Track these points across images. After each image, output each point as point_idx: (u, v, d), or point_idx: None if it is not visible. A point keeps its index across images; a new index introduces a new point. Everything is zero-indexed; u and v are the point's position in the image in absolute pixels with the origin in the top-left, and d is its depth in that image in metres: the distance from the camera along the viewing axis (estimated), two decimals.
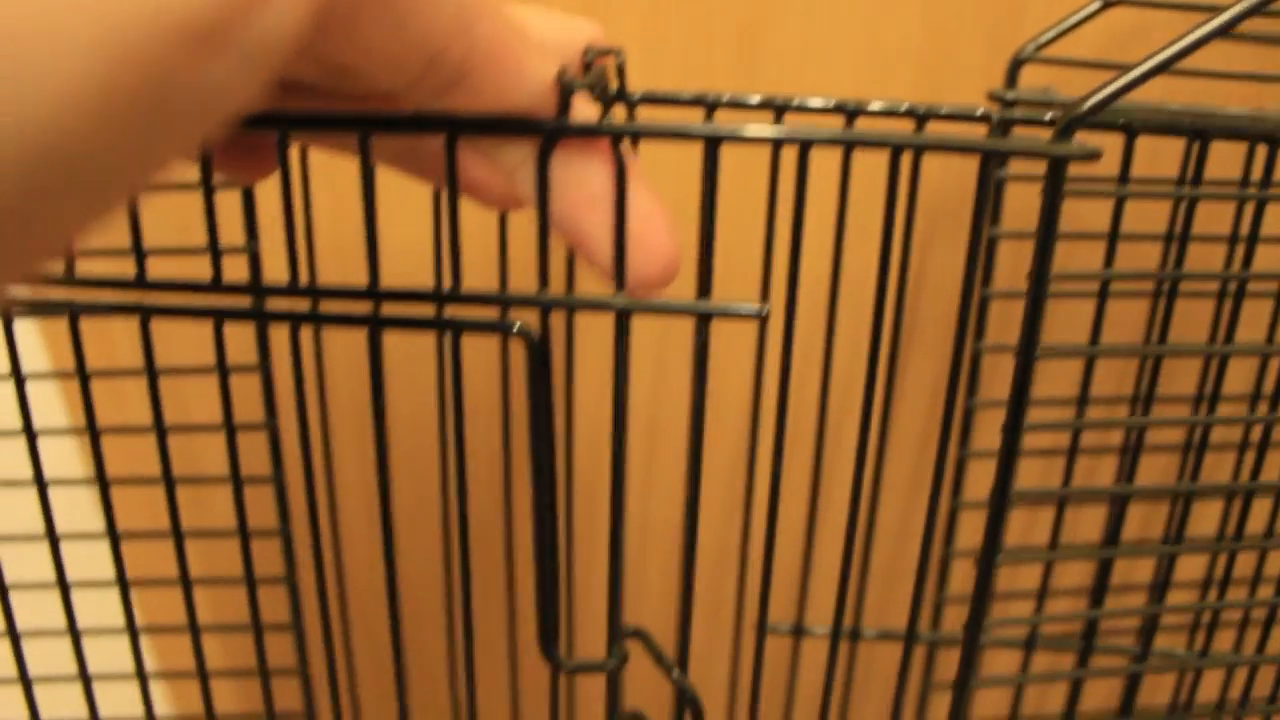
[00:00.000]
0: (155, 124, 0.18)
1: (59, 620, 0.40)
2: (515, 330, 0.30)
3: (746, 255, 0.48)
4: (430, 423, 0.51)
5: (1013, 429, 0.32)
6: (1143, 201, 0.44)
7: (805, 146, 0.29)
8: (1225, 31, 0.29)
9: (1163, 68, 0.28)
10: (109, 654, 0.42)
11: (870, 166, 0.33)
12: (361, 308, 0.31)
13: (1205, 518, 0.44)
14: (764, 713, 0.56)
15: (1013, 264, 0.46)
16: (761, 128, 0.29)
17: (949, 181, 0.47)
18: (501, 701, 0.50)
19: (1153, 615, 0.41)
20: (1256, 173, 0.36)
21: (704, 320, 0.30)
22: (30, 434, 0.38)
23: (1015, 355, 0.31)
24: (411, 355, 0.52)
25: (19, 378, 0.38)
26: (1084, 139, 0.29)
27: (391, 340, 0.49)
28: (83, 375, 0.36)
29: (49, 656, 0.42)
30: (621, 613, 0.34)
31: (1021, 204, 0.44)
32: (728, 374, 0.52)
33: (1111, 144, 0.35)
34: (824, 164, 0.36)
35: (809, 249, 0.44)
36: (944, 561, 0.46)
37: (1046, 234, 0.29)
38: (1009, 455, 0.32)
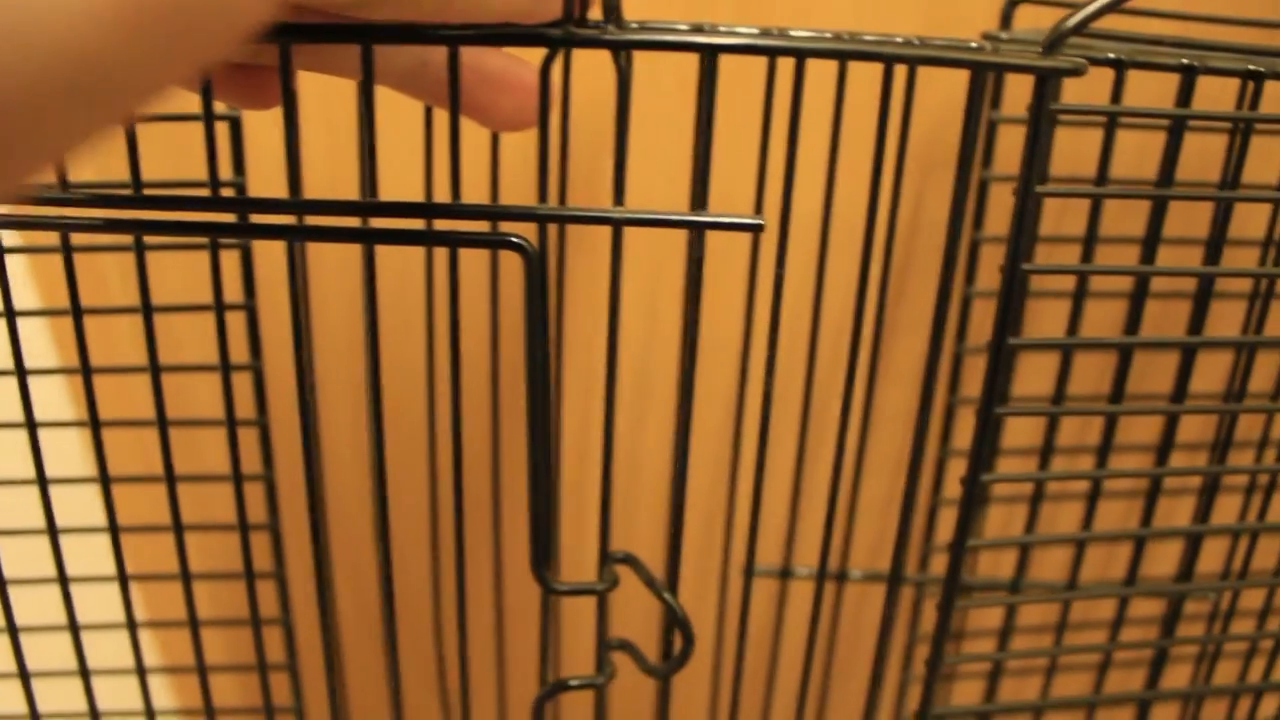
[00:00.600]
0: (175, 36, 0.18)
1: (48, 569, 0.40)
2: (513, 243, 0.31)
3: (741, 181, 0.48)
4: (416, 344, 0.51)
5: (998, 349, 0.32)
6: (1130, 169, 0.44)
7: (801, 58, 0.29)
8: None
9: None
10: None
11: (866, 100, 0.34)
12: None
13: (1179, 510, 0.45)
14: (753, 655, 0.56)
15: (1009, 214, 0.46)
16: (759, 38, 0.29)
17: (945, 131, 0.48)
18: (487, 625, 0.49)
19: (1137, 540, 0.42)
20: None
21: (699, 232, 0.31)
22: (21, 373, 0.38)
23: (1001, 272, 0.31)
24: (396, 276, 0.52)
25: (10, 313, 0.38)
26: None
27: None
28: (75, 305, 0.36)
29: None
30: (610, 536, 0.35)
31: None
32: (721, 307, 0.52)
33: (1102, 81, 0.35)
34: (818, 89, 0.37)
35: (801, 180, 0.45)
36: (932, 508, 0.46)
37: (1033, 148, 0.30)
38: (993, 373, 0.32)
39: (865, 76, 0.33)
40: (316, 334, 0.50)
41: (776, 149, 0.35)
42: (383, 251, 0.39)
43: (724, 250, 0.50)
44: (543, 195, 0.31)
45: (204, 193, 0.33)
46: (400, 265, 0.51)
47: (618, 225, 0.30)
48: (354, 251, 0.47)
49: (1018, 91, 0.44)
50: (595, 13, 0.30)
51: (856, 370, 0.38)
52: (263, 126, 0.43)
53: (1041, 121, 0.30)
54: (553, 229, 0.43)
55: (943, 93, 0.44)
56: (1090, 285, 0.43)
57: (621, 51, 0.30)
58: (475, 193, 0.48)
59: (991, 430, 0.33)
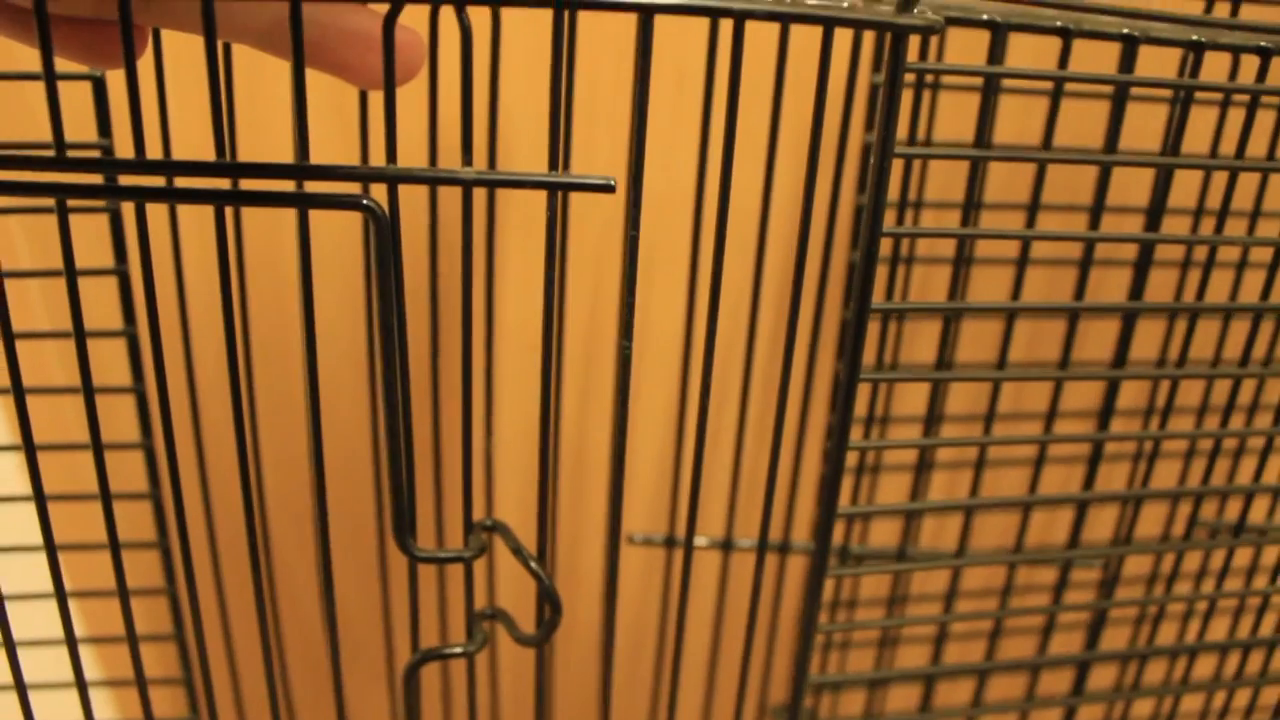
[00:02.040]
0: None
1: None
2: (364, 205, 0.30)
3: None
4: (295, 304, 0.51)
5: (859, 315, 0.32)
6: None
7: (649, 14, 0.29)
8: None
9: None
10: None
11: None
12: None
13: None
14: (643, 624, 0.56)
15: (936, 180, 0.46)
16: None
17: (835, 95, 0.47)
18: (373, 594, 0.49)
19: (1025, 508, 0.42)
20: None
21: (554, 193, 0.30)
22: None
23: (861, 235, 0.31)
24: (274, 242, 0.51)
25: None
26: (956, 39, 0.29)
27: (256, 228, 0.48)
28: None
29: None
30: (477, 505, 0.34)
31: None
32: (596, 266, 0.51)
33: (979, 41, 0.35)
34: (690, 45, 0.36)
35: (674, 146, 0.44)
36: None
37: (890, 110, 0.29)
38: (857, 339, 0.32)
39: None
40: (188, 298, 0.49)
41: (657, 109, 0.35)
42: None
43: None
44: (391, 157, 0.30)
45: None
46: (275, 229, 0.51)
47: (467, 186, 0.30)
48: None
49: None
50: None
51: (756, 341, 0.38)
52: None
53: (897, 79, 0.29)
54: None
55: (838, 57, 0.44)
56: (978, 252, 0.43)
57: (464, 7, 0.29)
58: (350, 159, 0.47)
59: (852, 398, 0.33)
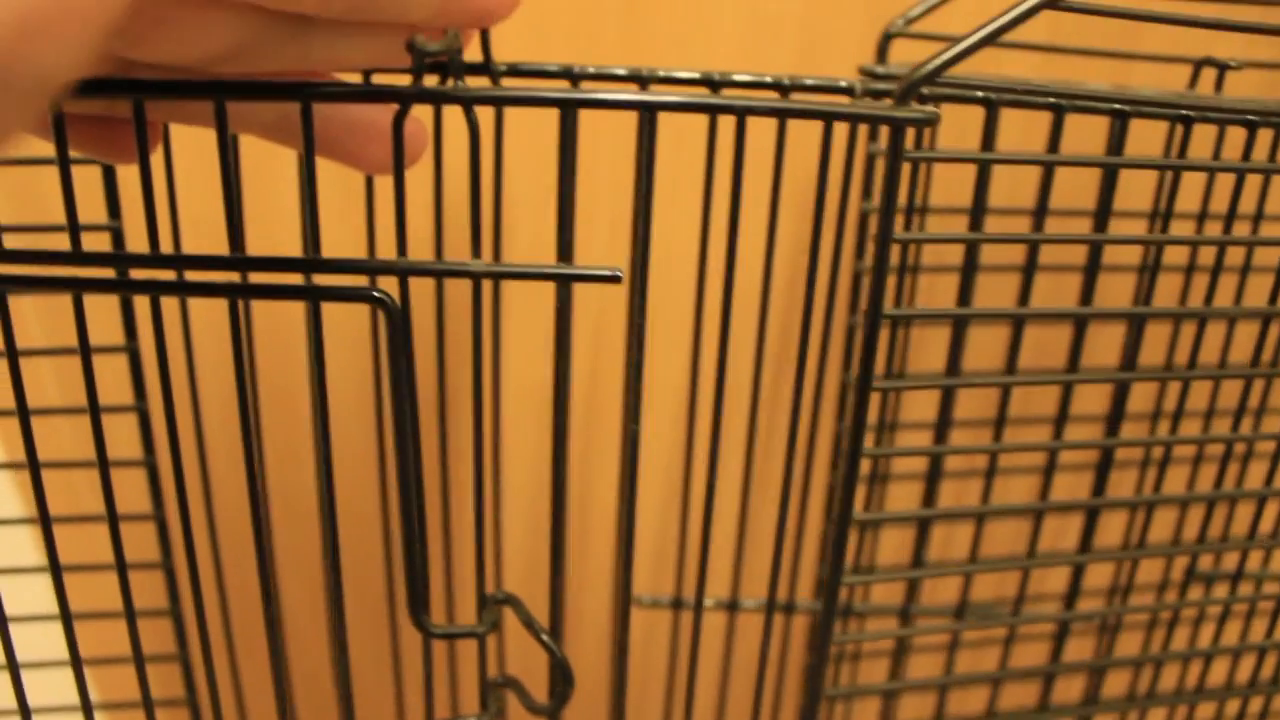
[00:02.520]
0: None
1: None
2: (375, 298, 0.31)
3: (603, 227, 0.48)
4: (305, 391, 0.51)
5: (863, 385, 0.32)
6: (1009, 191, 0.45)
7: (650, 111, 0.29)
8: (1055, 3, 0.30)
9: (996, 35, 0.29)
10: None
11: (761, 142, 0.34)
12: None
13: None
14: (660, 684, 0.56)
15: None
16: (614, 93, 0.29)
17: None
18: (384, 670, 0.49)
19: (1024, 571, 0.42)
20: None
21: (564, 284, 0.31)
22: None
23: (862, 319, 0.32)
24: (283, 325, 0.52)
25: None
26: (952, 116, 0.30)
27: (265, 312, 0.49)
28: None
29: None
30: (488, 579, 0.35)
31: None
32: (596, 331, 0.52)
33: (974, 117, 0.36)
34: (693, 135, 0.37)
35: (678, 223, 0.45)
36: (825, 533, 0.47)
37: (889, 197, 0.30)
38: (860, 411, 0.33)
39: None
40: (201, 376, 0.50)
41: (665, 199, 0.36)
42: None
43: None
44: (401, 249, 0.31)
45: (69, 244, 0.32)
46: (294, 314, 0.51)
47: (477, 279, 0.30)
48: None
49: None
50: (475, 54, 0.30)
51: (760, 402, 0.38)
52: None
53: (896, 170, 0.30)
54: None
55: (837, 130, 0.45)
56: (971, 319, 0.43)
57: (472, 106, 0.30)
58: (358, 248, 0.48)
59: (855, 466, 0.33)
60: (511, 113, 0.46)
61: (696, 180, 0.37)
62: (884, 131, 0.44)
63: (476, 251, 0.30)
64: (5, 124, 0.19)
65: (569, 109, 0.30)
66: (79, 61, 0.19)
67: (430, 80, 0.30)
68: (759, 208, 0.37)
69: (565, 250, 0.31)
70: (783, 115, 0.30)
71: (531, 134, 0.48)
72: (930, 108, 0.30)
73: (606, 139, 0.44)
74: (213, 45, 0.27)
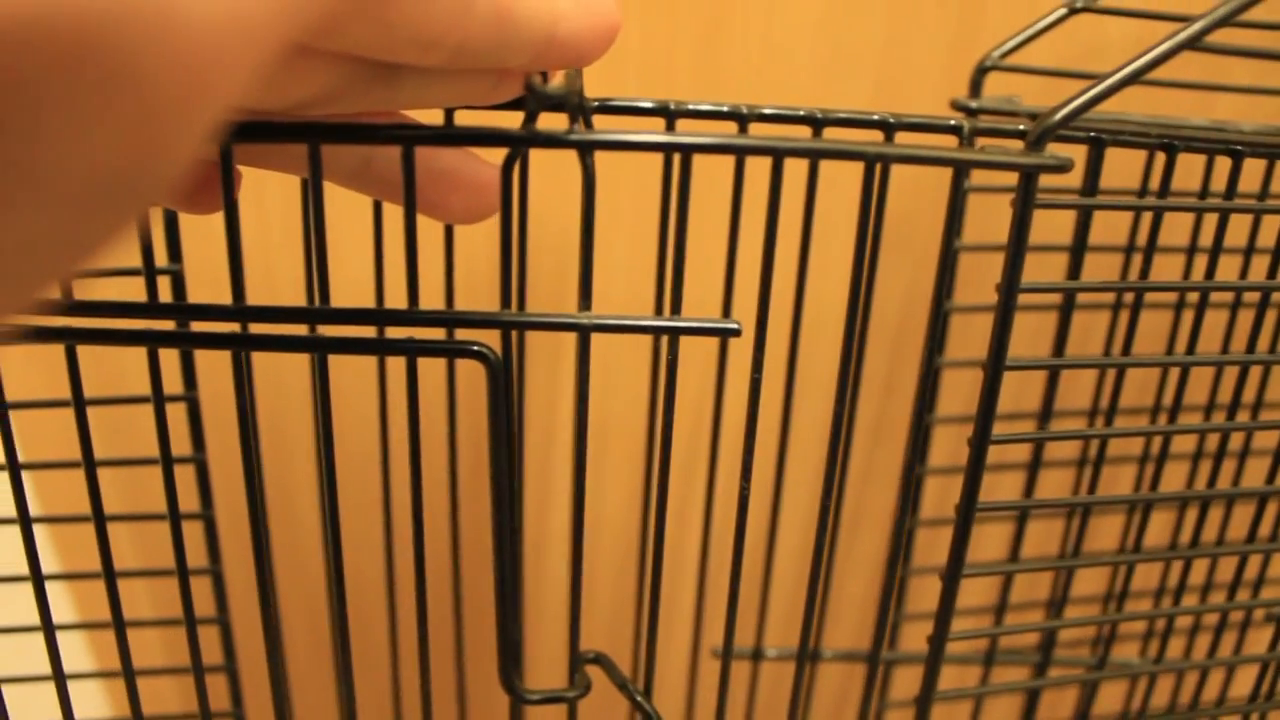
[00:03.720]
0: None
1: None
2: (476, 352, 0.29)
3: (704, 271, 0.47)
4: (369, 447, 0.50)
5: (981, 440, 0.31)
6: (1104, 216, 0.44)
7: (778, 157, 0.28)
8: (1195, 42, 0.28)
9: (1135, 77, 0.28)
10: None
11: (824, 178, 0.33)
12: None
13: (1157, 527, 0.44)
14: None
15: (965, 277, 0.45)
16: (730, 138, 0.28)
17: (905, 193, 0.47)
18: None
19: (1110, 623, 0.41)
20: (1217, 184, 0.36)
21: (675, 337, 0.29)
22: None
23: (983, 367, 0.30)
24: (349, 378, 0.50)
25: None
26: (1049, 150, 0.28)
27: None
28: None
29: None
30: (579, 639, 0.33)
31: (972, 215, 0.44)
32: (688, 397, 0.51)
33: (1076, 155, 0.34)
34: (790, 177, 0.35)
35: (755, 266, 0.43)
36: (901, 581, 0.46)
37: (1018, 245, 0.29)
38: (976, 467, 0.31)
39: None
40: (271, 428, 0.48)
41: (746, 241, 0.34)
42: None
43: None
44: (505, 300, 0.29)
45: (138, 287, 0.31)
46: (357, 364, 0.50)
47: (585, 332, 0.29)
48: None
49: None
50: (556, 80, 0.29)
51: (839, 452, 0.37)
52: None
53: (1027, 218, 0.29)
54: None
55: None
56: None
57: (591, 151, 0.28)
58: (428, 291, 0.46)
59: (964, 531, 0.32)
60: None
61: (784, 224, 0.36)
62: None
63: (585, 304, 0.29)
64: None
65: (686, 154, 0.29)
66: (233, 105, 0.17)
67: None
68: (844, 248, 0.36)
69: (675, 301, 0.30)
70: (907, 162, 0.28)
71: (612, 178, 0.46)
72: (1064, 154, 0.28)
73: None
74: (303, 92, 0.25)
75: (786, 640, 0.50)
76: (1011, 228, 0.29)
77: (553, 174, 0.39)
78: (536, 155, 0.34)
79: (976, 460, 0.31)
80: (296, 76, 0.25)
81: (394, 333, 0.30)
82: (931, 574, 0.36)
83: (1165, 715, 0.46)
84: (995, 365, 0.30)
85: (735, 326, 0.28)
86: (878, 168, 0.29)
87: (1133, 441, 0.46)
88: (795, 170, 0.33)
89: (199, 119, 0.16)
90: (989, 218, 0.43)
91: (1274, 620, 0.43)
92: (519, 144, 0.27)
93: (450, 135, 0.27)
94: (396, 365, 0.42)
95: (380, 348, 0.30)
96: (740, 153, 0.28)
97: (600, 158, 0.39)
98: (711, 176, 0.35)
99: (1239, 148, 0.34)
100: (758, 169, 0.29)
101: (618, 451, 0.53)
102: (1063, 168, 0.28)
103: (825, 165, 0.29)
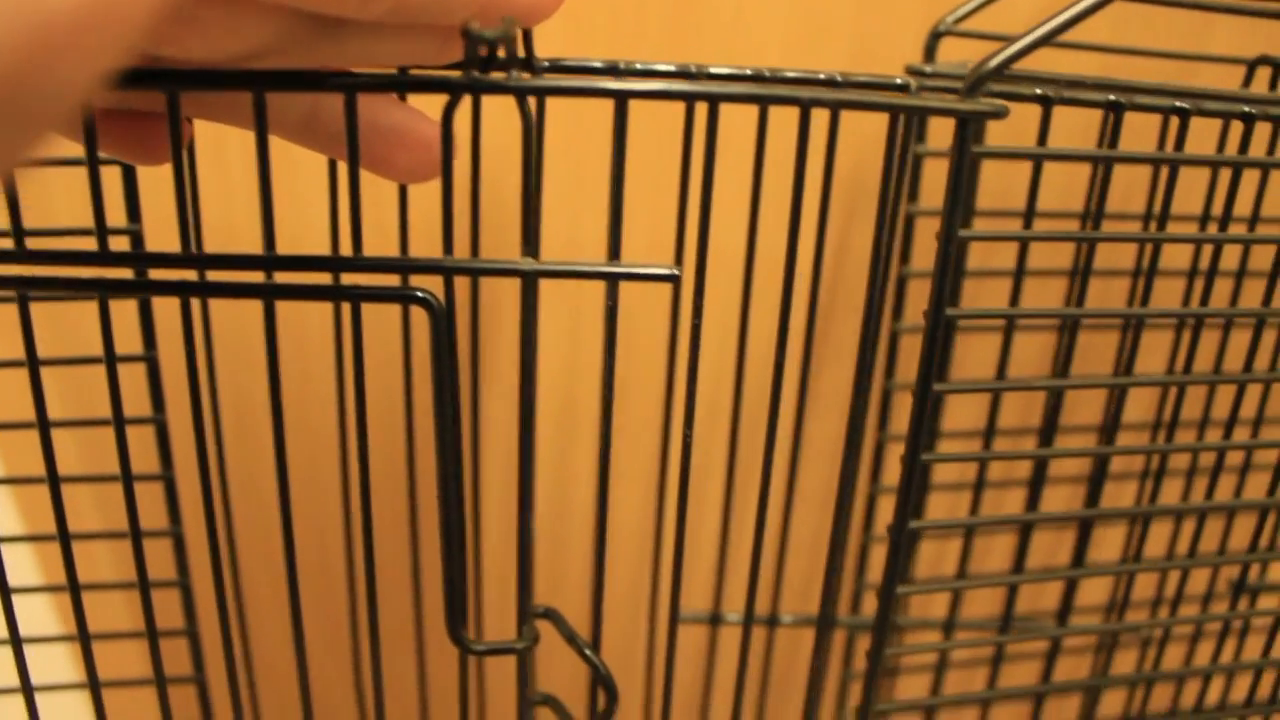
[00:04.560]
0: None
1: None
2: (419, 298, 0.29)
3: (658, 223, 0.47)
4: (327, 396, 0.50)
5: (923, 397, 0.31)
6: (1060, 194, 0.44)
7: (714, 102, 0.28)
8: None
9: (1071, 23, 0.28)
10: None
11: (787, 139, 0.33)
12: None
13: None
14: (685, 702, 0.55)
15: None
16: (670, 83, 0.28)
17: (870, 165, 0.47)
18: (409, 688, 0.48)
19: (1071, 581, 0.41)
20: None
21: (614, 283, 0.30)
22: None
23: (925, 316, 0.31)
24: (302, 328, 0.50)
25: None
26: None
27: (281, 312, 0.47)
28: None
29: None
30: (532, 592, 0.33)
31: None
32: (644, 350, 0.51)
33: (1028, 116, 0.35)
34: (738, 130, 0.36)
35: (723, 220, 0.43)
36: (863, 546, 0.46)
37: (955, 194, 0.29)
38: (919, 423, 0.32)
39: (789, 114, 0.32)
40: (223, 385, 0.48)
41: (698, 191, 0.34)
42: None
43: (643, 291, 0.49)
44: (448, 247, 0.30)
45: (93, 244, 0.31)
46: (306, 315, 0.50)
47: (529, 278, 0.29)
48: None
49: (943, 124, 0.43)
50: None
51: (780, 408, 0.37)
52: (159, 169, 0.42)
53: (963, 165, 0.29)
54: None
55: (869, 126, 0.44)
56: (1020, 320, 0.42)
57: (525, 97, 0.28)
58: (388, 244, 0.47)
59: (920, 473, 0.32)
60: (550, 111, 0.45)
61: (737, 177, 0.36)
62: (931, 129, 0.43)
63: (528, 250, 0.29)
64: (29, 134, 0.18)
65: (622, 100, 0.29)
66: (109, 68, 0.18)
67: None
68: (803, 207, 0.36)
69: (615, 248, 0.30)
70: (845, 108, 0.28)
71: (561, 132, 0.47)
72: (998, 101, 0.29)
73: (648, 137, 0.43)
74: (244, 44, 0.26)
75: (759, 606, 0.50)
76: (949, 177, 0.29)
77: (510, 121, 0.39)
78: (493, 104, 0.34)
79: (920, 408, 0.32)
80: (236, 27, 0.25)
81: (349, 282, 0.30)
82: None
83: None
84: (935, 316, 0.30)
85: (674, 273, 0.29)
86: (818, 115, 0.29)
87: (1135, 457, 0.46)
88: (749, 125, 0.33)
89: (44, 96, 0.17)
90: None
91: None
92: (458, 90, 0.27)
93: (391, 83, 0.28)
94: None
95: (324, 294, 0.30)
96: (676, 98, 0.28)
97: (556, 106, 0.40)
98: (673, 123, 0.35)
99: (1185, 107, 0.34)
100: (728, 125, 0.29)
101: (589, 421, 0.53)
102: (998, 114, 0.28)
103: (791, 119, 0.29)
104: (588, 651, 0.34)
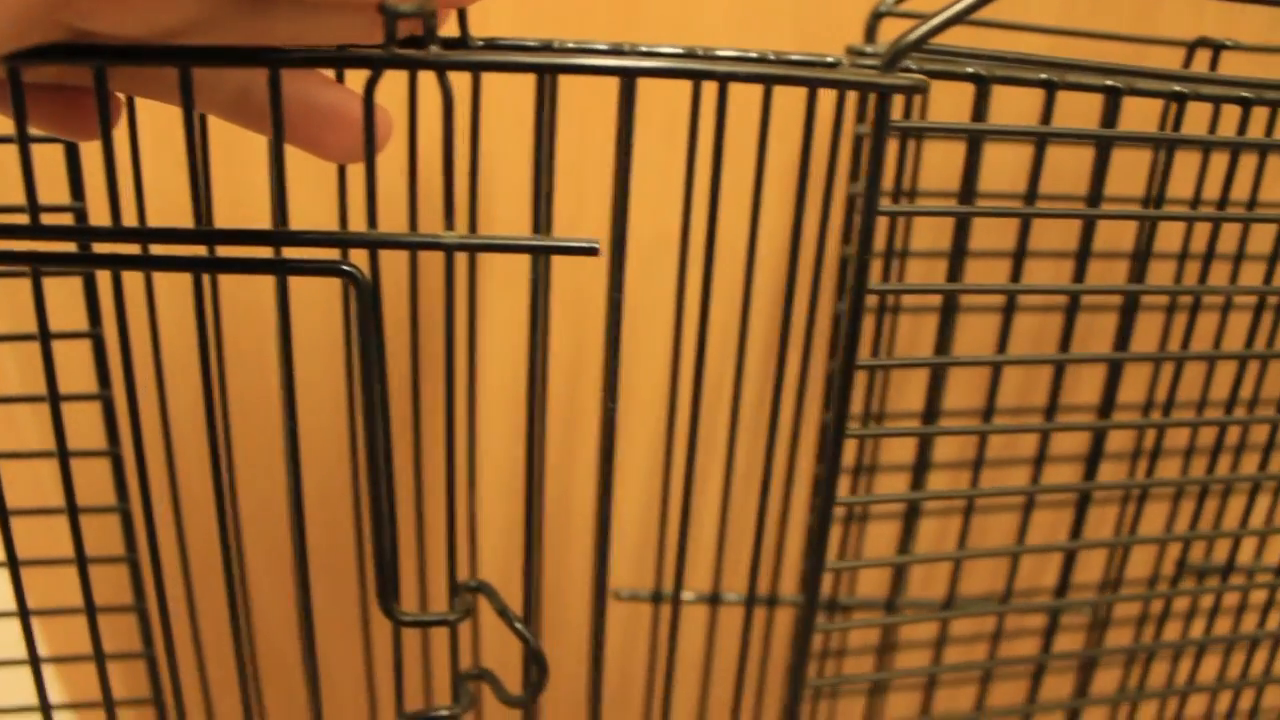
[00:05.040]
0: None
1: None
2: (345, 271, 0.30)
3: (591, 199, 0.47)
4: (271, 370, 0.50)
5: (846, 374, 0.31)
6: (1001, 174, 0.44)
7: (629, 77, 0.28)
8: None
9: (984, 2, 0.28)
10: None
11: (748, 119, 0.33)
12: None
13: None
14: (641, 679, 0.55)
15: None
16: (585, 58, 0.28)
17: (821, 145, 0.47)
18: (357, 662, 0.48)
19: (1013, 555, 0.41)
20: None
21: (538, 256, 0.30)
22: None
23: (849, 294, 0.31)
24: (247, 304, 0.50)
25: None
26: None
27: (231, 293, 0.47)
28: None
29: None
30: (460, 565, 0.34)
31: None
32: (578, 322, 0.51)
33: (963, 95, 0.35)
34: (678, 107, 0.36)
35: (660, 199, 0.44)
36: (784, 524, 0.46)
37: (874, 169, 0.29)
38: (843, 400, 0.32)
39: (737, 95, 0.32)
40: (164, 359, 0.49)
41: (642, 169, 0.35)
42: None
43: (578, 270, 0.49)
44: (372, 222, 0.30)
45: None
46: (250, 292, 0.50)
47: (449, 250, 0.29)
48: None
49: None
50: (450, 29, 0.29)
51: (743, 391, 0.37)
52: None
53: (882, 139, 0.29)
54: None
55: (822, 110, 0.44)
56: (966, 300, 0.43)
57: (445, 72, 0.29)
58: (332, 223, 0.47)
59: (839, 451, 0.32)
60: (498, 90, 0.45)
61: (673, 157, 0.36)
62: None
63: (450, 223, 0.29)
64: None
65: (545, 74, 0.29)
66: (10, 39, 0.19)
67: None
68: (747, 188, 0.37)
69: (540, 221, 0.30)
70: (766, 81, 0.29)
71: (517, 111, 0.47)
72: (918, 75, 0.29)
73: (600, 105, 0.43)
74: (172, 19, 0.26)
75: (703, 585, 0.50)
76: (869, 152, 0.29)
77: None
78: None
79: (844, 384, 0.32)
80: (163, 2, 0.25)
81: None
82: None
83: None
84: (858, 292, 0.31)
85: (593, 245, 0.29)
86: (738, 89, 0.29)
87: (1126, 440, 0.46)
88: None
89: None
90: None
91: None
92: (377, 65, 0.28)
93: (312, 57, 0.28)
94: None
95: (250, 267, 0.30)
96: (596, 73, 0.28)
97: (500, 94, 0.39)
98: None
99: (1118, 86, 0.34)
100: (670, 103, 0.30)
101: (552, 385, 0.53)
102: (917, 89, 0.29)
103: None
104: (518, 625, 0.34)
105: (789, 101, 0.38)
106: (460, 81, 0.34)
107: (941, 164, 0.43)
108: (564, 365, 0.51)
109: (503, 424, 0.53)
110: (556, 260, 0.47)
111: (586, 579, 0.55)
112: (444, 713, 0.35)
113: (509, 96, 0.46)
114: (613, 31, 0.46)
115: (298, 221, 0.38)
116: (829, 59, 0.34)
